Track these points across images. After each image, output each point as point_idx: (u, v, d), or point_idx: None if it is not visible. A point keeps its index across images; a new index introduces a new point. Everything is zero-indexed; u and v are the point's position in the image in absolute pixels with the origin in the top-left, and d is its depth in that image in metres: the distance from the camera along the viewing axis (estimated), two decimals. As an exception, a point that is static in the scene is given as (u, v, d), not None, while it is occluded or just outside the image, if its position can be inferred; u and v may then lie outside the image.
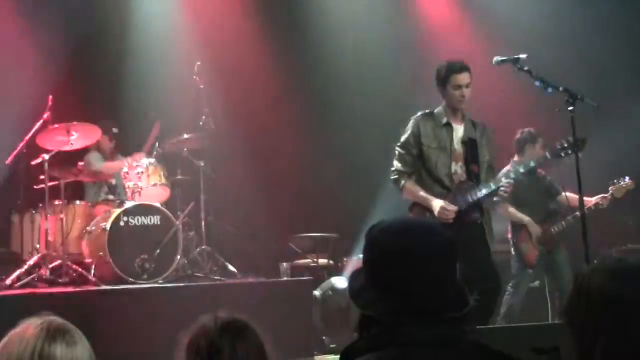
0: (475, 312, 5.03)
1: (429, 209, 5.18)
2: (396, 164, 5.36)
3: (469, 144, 5.29)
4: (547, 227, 6.60)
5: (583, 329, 1.75)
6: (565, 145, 5.09)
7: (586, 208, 5.89)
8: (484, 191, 5.14)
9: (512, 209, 6.69)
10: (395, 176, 5.36)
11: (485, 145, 5.35)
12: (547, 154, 5.35)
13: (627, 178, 6.50)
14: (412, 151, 5.31)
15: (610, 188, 6.49)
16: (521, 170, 5.33)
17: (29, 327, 1.73)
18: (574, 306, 1.79)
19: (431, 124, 5.30)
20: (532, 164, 5.43)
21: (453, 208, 5.10)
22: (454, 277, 1.67)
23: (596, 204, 6.46)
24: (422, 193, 5.24)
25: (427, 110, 5.38)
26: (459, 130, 5.32)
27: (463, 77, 5.14)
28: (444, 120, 5.28)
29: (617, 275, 1.74)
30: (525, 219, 6.66)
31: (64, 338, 1.72)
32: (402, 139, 5.37)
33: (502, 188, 5.18)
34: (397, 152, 5.38)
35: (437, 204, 5.12)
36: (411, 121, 5.38)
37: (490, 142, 5.42)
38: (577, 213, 6.05)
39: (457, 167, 5.27)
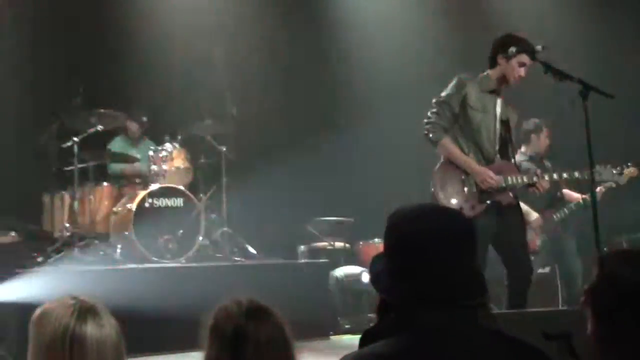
0: (507, 297, 4.84)
1: (464, 172, 4.76)
2: (434, 118, 4.81)
3: (505, 124, 4.91)
4: (549, 214, 6.48)
5: (613, 316, 1.71)
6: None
7: (585, 197, 5.81)
8: (525, 179, 4.84)
9: None
10: (432, 129, 4.80)
11: (513, 128, 5.00)
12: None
13: (629, 164, 6.07)
14: (454, 108, 4.80)
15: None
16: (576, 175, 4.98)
17: (61, 307, 1.78)
18: (603, 292, 1.75)
19: (477, 87, 4.84)
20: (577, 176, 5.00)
21: (498, 179, 4.72)
22: (471, 264, 1.64)
23: (599, 192, 6.09)
24: (462, 154, 4.78)
25: (471, 74, 4.95)
26: (499, 104, 4.90)
27: (529, 58, 4.75)
28: (491, 86, 4.84)
29: None
30: (523, 207, 6.45)
31: (94, 319, 1.76)
32: (444, 94, 4.86)
33: (536, 184, 4.90)
34: (435, 106, 4.85)
35: (480, 169, 4.72)
36: (455, 80, 4.88)
37: (515, 126, 5.09)
38: (580, 201, 6.18)
39: (497, 140, 4.87)
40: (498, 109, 4.86)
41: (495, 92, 4.86)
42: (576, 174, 4.95)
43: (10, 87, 7.67)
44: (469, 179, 4.76)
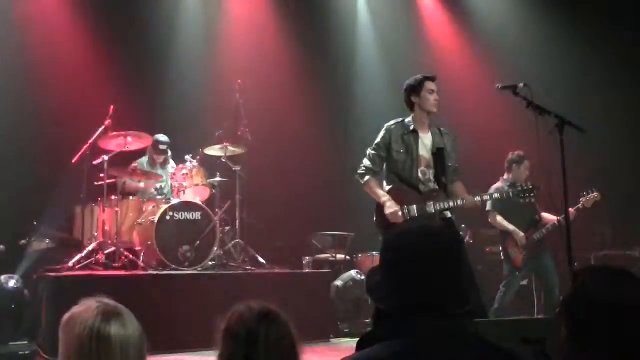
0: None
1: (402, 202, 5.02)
2: (365, 162, 5.19)
3: (438, 154, 5.15)
4: (530, 234, 6.60)
5: (583, 325, 1.72)
6: (524, 189, 5.21)
7: (560, 220, 5.90)
8: (450, 204, 5.01)
9: (500, 219, 6.67)
10: (362, 171, 5.17)
11: (451, 151, 5.20)
12: (508, 192, 5.29)
13: (594, 190, 6.50)
14: (382, 154, 5.15)
15: (580, 200, 6.50)
16: (485, 198, 5.26)
17: (87, 310, 1.78)
18: (576, 304, 1.76)
19: (400, 131, 5.14)
20: (496, 195, 5.42)
21: (400, 217, 4.96)
22: (459, 277, 1.66)
23: (572, 215, 6.36)
24: (381, 192, 5.10)
25: (399, 119, 5.22)
26: (425, 139, 5.14)
27: (434, 84, 5.11)
28: (412, 127, 5.12)
29: (620, 283, 1.73)
30: (511, 227, 6.61)
31: (117, 320, 1.76)
32: (375, 142, 5.21)
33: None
34: (368, 153, 5.22)
35: (390, 207, 4.99)
36: (384, 128, 5.22)
37: (455, 147, 5.27)
38: (556, 222, 6.33)
39: (425, 173, 5.09)
40: (423, 144, 5.13)
41: (416, 132, 5.13)
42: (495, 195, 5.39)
43: (46, 110, 7.73)
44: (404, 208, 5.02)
